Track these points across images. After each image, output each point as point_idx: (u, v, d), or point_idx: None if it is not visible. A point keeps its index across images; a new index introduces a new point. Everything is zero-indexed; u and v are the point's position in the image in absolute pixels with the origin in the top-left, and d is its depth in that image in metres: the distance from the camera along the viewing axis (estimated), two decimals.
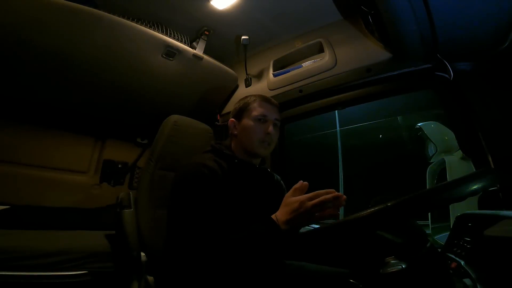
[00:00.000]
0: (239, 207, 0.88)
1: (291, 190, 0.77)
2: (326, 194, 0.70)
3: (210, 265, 0.75)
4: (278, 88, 1.60)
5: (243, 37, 1.56)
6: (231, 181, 0.89)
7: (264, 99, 1.01)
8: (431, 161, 2.92)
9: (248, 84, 1.74)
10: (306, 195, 0.72)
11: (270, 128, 0.96)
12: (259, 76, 1.76)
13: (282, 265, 0.98)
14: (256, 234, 0.75)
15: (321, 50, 1.52)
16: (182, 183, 0.85)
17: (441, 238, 2.51)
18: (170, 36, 1.44)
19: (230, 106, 1.83)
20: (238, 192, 0.90)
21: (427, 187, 2.62)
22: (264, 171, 1.07)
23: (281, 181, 1.17)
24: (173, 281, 0.90)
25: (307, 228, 1.08)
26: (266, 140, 0.96)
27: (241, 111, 1.00)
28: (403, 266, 0.59)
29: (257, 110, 0.97)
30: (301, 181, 0.76)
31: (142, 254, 1.04)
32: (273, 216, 0.76)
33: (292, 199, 0.74)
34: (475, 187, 0.52)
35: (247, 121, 0.97)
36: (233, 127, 1.01)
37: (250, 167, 0.99)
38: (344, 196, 0.72)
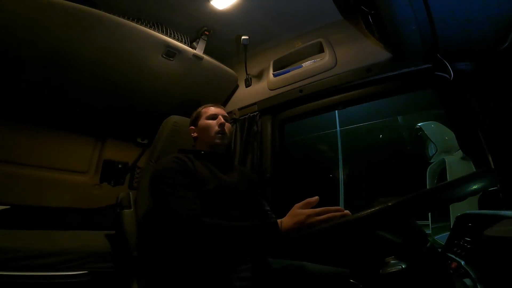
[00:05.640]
0: (211, 189, 0.96)
1: (303, 202, 0.79)
2: (335, 211, 0.72)
3: (203, 238, 0.78)
4: (278, 88, 1.60)
5: (243, 37, 1.57)
6: (200, 168, 1.00)
7: (212, 104, 1.22)
8: (431, 161, 2.92)
9: (248, 84, 1.74)
10: (314, 210, 0.74)
11: (222, 120, 1.13)
12: (259, 76, 1.76)
13: (264, 263, 1.00)
14: (257, 231, 0.78)
15: (321, 50, 1.52)
16: (157, 174, 0.94)
17: (441, 238, 2.51)
18: (170, 36, 1.44)
19: (230, 106, 1.83)
20: (209, 176, 1.00)
21: (427, 187, 2.62)
22: (230, 160, 1.19)
23: (248, 170, 1.32)
24: (173, 281, 0.90)
25: None
26: (220, 131, 1.12)
27: (196, 118, 1.19)
28: (403, 266, 0.59)
29: (207, 112, 1.17)
30: (317, 197, 0.80)
31: (142, 254, 1.04)
32: (278, 221, 0.78)
33: (300, 211, 0.76)
34: (475, 187, 0.52)
35: (202, 122, 1.15)
36: (193, 132, 1.18)
37: (215, 155, 1.12)
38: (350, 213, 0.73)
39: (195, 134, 1.18)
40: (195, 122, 1.19)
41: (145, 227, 1.06)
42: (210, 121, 1.14)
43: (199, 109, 1.22)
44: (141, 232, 1.06)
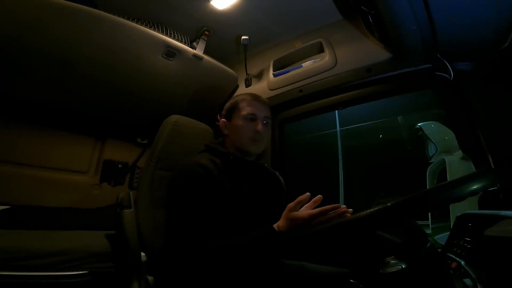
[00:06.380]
0: (236, 203, 0.88)
1: (295, 202, 0.75)
2: (332, 210, 0.71)
3: (207, 265, 0.75)
4: (278, 88, 1.60)
5: (243, 37, 1.56)
6: (227, 177, 0.90)
7: (253, 97, 1.01)
8: (431, 161, 2.92)
9: (248, 84, 1.73)
10: (312, 212, 0.71)
11: (260, 126, 0.95)
12: (259, 76, 1.76)
13: (279, 266, 0.98)
14: (256, 243, 0.75)
15: (321, 50, 1.52)
16: (177, 183, 0.87)
17: (441, 238, 2.51)
18: (170, 36, 1.44)
19: None
20: (235, 188, 0.90)
21: (427, 187, 2.62)
22: (260, 167, 1.06)
23: (280, 177, 1.16)
24: (173, 281, 0.90)
25: None
26: (256, 139, 0.95)
27: (231, 111, 1.01)
28: (403, 266, 0.59)
29: (246, 109, 0.98)
30: (308, 193, 0.75)
31: (142, 254, 1.04)
32: (275, 226, 0.75)
33: (298, 216, 0.72)
34: (475, 187, 0.52)
35: (237, 121, 0.98)
36: (224, 127, 1.02)
37: (245, 163, 0.99)
38: (351, 210, 0.72)
39: (225, 132, 1.01)
40: (228, 115, 1.01)
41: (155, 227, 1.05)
42: (247, 124, 0.96)
43: (238, 97, 1.02)
44: (151, 232, 1.05)
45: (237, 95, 1.05)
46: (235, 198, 0.88)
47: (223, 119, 1.03)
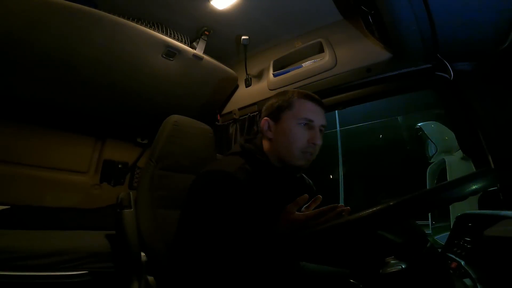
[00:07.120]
0: (268, 222, 0.78)
1: (293, 204, 0.72)
2: (330, 210, 0.70)
3: (214, 275, 0.73)
4: (278, 88, 1.59)
5: (243, 37, 1.56)
6: (265, 195, 0.78)
7: (311, 98, 0.83)
8: (431, 161, 2.92)
9: (248, 84, 1.74)
10: (309, 214, 0.70)
11: (317, 138, 0.80)
12: (259, 76, 1.76)
13: (296, 268, 0.96)
14: (255, 246, 0.72)
15: (321, 50, 1.52)
16: (204, 195, 0.75)
17: (441, 238, 2.51)
18: (170, 36, 1.44)
19: (230, 106, 1.83)
20: (268, 205, 0.79)
21: (427, 187, 2.62)
22: (302, 181, 0.93)
23: (314, 188, 1.04)
24: (174, 281, 0.90)
25: None
26: (309, 151, 0.81)
27: (280, 110, 0.82)
28: (403, 266, 0.59)
29: (302, 112, 0.80)
30: (306, 195, 0.72)
31: (142, 254, 1.04)
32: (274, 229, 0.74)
33: (298, 218, 0.70)
34: (475, 187, 0.52)
35: (288, 124, 0.80)
36: (267, 129, 0.84)
37: (288, 177, 0.84)
38: (348, 208, 0.72)
39: (269, 135, 0.83)
40: (276, 114, 0.82)
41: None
42: (301, 131, 0.79)
43: (291, 94, 0.83)
44: (151, 232, 1.04)
45: (289, 91, 0.85)
46: (266, 217, 0.78)
47: (267, 118, 0.84)
